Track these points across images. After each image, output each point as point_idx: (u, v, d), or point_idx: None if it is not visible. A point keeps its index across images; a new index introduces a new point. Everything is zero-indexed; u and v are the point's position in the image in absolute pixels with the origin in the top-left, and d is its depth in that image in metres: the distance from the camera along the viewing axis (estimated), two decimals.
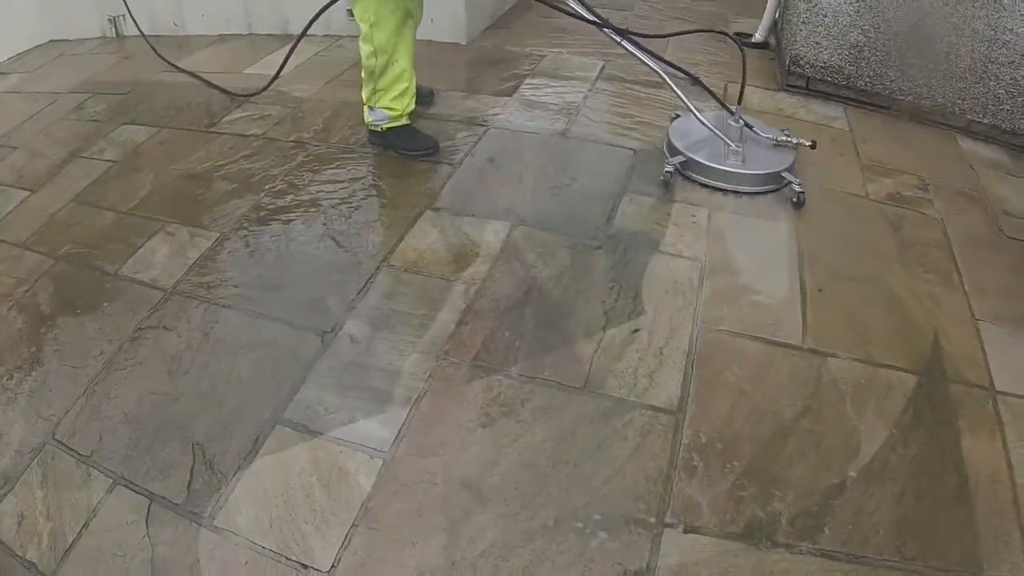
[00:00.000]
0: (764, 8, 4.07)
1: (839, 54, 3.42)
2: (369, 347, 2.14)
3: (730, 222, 2.61)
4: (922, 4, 3.16)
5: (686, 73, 2.96)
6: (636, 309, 2.23)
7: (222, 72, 3.93)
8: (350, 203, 2.77)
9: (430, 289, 2.33)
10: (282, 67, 3.34)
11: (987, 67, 3.16)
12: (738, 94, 3.06)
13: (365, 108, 2.98)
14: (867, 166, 3.00)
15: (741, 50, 3.03)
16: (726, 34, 3.09)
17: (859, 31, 3.33)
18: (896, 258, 2.48)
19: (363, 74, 2.89)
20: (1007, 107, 3.21)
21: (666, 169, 2.82)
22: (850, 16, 3.33)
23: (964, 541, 1.66)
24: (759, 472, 1.78)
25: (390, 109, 2.91)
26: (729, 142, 2.83)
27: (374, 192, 2.83)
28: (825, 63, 3.47)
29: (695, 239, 2.52)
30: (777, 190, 2.80)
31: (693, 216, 2.64)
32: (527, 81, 3.64)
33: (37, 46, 4.94)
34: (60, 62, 4.62)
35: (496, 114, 3.33)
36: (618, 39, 2.81)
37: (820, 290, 2.31)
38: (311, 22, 3.05)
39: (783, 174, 2.78)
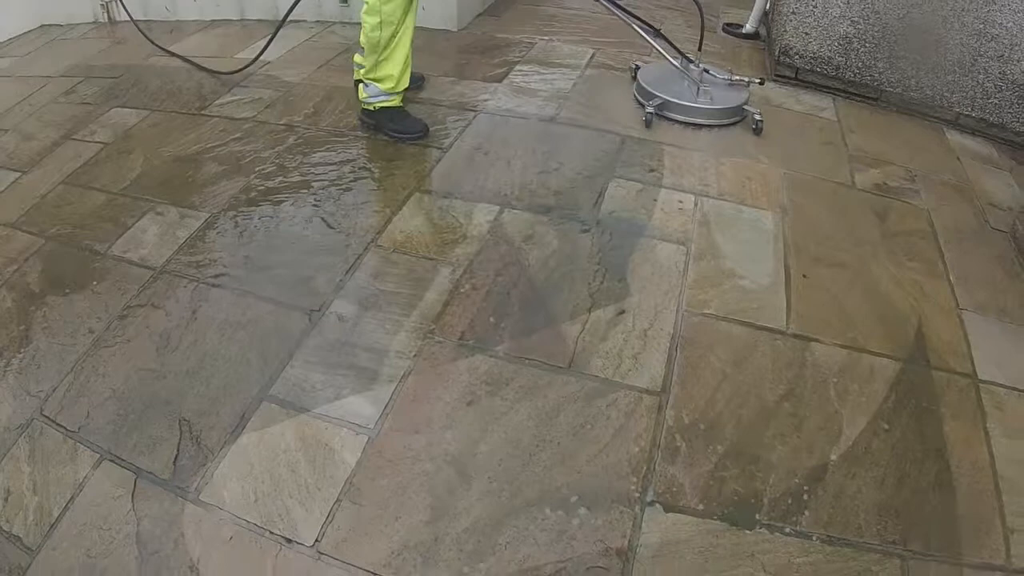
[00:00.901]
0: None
1: (828, 45, 3.44)
2: (356, 326, 2.15)
3: (716, 208, 2.63)
4: None
5: (650, 26, 3.32)
6: (622, 292, 2.25)
7: (213, 56, 3.92)
8: (339, 185, 2.78)
9: (418, 270, 2.34)
10: (266, 47, 3.34)
11: (976, 61, 3.19)
12: (699, 38, 3.35)
13: (360, 86, 2.98)
14: (854, 156, 3.02)
15: (698, 4, 3.28)
16: None
17: (848, 22, 3.35)
18: (881, 247, 2.50)
19: (363, 48, 2.89)
20: (995, 101, 3.23)
21: (647, 111, 3.15)
22: (840, 7, 3.34)
23: (945, 526, 1.68)
24: (741, 453, 1.80)
25: (389, 79, 2.90)
26: (699, 83, 3.19)
27: (364, 175, 2.84)
28: (814, 54, 3.49)
29: (681, 224, 2.54)
30: (741, 121, 3.20)
31: (680, 202, 2.65)
32: (517, 68, 3.65)
33: (29, 31, 4.92)
34: (52, 46, 4.60)
35: (486, 100, 3.34)
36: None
37: (805, 276, 2.33)
38: (294, 4, 3.04)
39: (744, 107, 3.18)
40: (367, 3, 2.76)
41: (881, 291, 2.31)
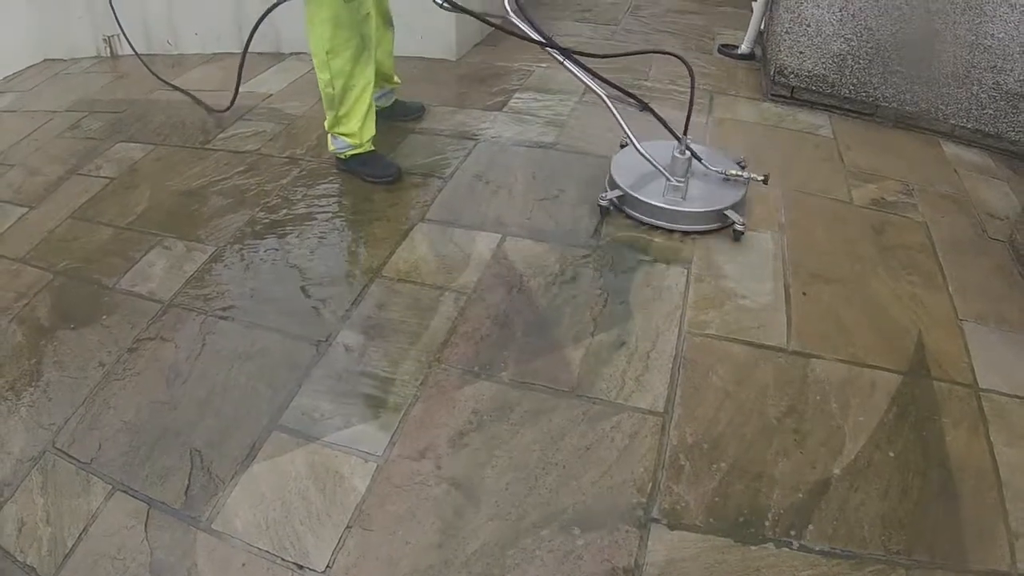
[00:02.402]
0: (749, 20, 4.13)
1: (823, 63, 3.47)
2: (363, 355, 2.18)
3: (721, 242, 2.65)
4: (904, 12, 3.21)
5: (635, 98, 2.76)
6: (624, 315, 2.27)
7: (215, 90, 3.97)
8: (343, 216, 2.82)
9: (422, 299, 2.37)
10: (239, 79, 3.35)
11: (969, 72, 3.21)
12: (686, 118, 2.72)
13: (328, 137, 2.99)
14: (851, 172, 3.05)
15: (690, 73, 2.72)
16: (678, 57, 2.78)
17: (842, 40, 3.38)
18: (880, 261, 2.52)
19: (324, 103, 2.91)
20: (990, 111, 3.26)
21: (600, 203, 2.70)
22: (833, 25, 3.38)
23: (949, 535, 1.68)
24: (745, 470, 1.81)
25: (352, 136, 2.90)
26: (669, 176, 2.65)
27: (367, 206, 2.87)
28: (809, 72, 3.52)
29: (680, 246, 2.57)
30: (720, 229, 2.65)
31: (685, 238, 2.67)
32: (516, 95, 3.69)
33: (32, 65, 4.99)
34: (55, 81, 4.66)
35: (486, 128, 3.38)
36: (561, 59, 2.65)
37: (804, 293, 2.35)
38: (252, 33, 3.06)
39: (726, 212, 2.62)
40: (316, 57, 2.76)
41: (881, 305, 2.33)
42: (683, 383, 2.05)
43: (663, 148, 2.69)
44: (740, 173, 2.69)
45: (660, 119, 2.73)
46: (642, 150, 2.68)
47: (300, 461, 1.88)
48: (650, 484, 1.79)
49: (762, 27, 4.11)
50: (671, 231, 2.65)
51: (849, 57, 3.41)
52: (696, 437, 1.90)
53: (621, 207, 2.73)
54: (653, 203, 2.64)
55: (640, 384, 2.04)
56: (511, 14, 2.62)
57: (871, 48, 3.35)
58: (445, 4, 2.62)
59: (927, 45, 3.23)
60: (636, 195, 2.67)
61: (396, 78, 3.36)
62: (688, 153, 2.66)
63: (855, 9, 3.30)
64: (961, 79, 3.25)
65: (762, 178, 2.67)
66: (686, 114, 2.71)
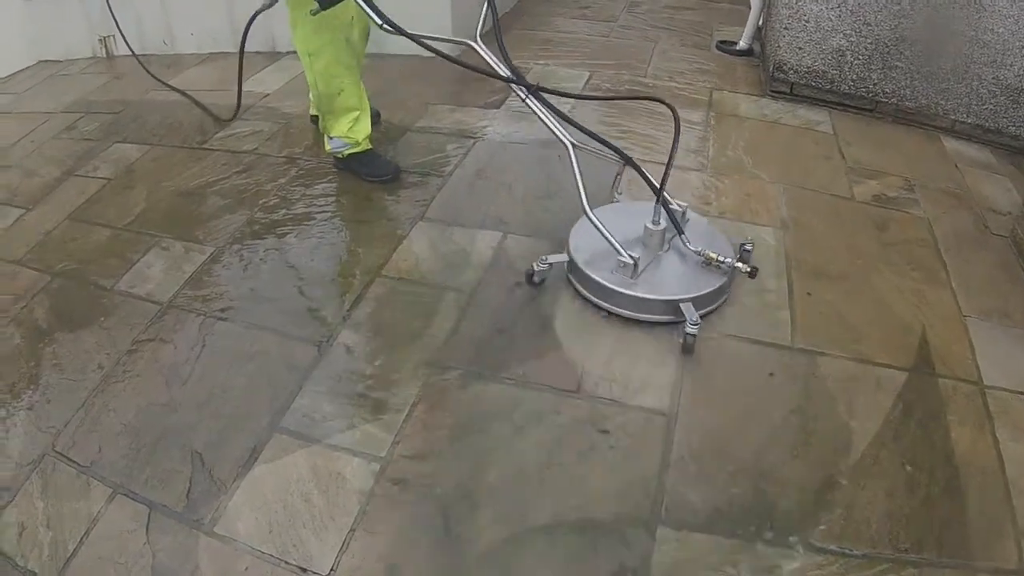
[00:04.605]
0: (747, 16, 4.12)
1: (822, 59, 3.47)
2: (364, 356, 2.16)
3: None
4: (903, 7, 3.20)
5: (615, 150, 2.41)
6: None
7: (212, 89, 3.95)
8: (342, 216, 2.80)
9: (423, 298, 2.36)
10: (240, 85, 3.32)
11: (969, 67, 3.21)
12: (663, 178, 2.22)
13: (324, 137, 2.98)
14: (852, 168, 3.04)
15: (675, 120, 2.22)
16: (663, 102, 2.29)
17: (841, 35, 3.38)
18: (883, 258, 2.51)
19: (314, 103, 2.89)
20: (990, 106, 3.26)
21: (536, 266, 2.32)
22: (831, 21, 3.37)
23: (956, 532, 1.68)
24: (752, 470, 1.80)
25: (347, 138, 2.89)
26: (620, 249, 2.20)
27: (366, 205, 2.86)
28: (808, 68, 3.51)
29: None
30: (672, 323, 2.21)
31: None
32: (515, 94, 3.65)
33: (28, 66, 4.96)
34: (51, 82, 4.64)
35: (485, 126, 3.37)
36: (523, 96, 2.36)
37: (809, 294, 2.33)
38: (244, 39, 3.03)
39: (681, 305, 2.15)
40: (302, 60, 2.75)
41: (884, 302, 2.32)
42: (688, 382, 2.04)
43: (631, 209, 2.40)
44: (721, 259, 2.21)
45: (643, 174, 2.38)
46: (591, 215, 2.25)
47: (302, 463, 1.86)
48: (656, 485, 1.77)
49: (760, 23, 4.09)
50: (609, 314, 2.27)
51: (848, 53, 3.41)
52: (702, 437, 1.89)
53: (568, 274, 2.37)
54: (594, 277, 2.24)
55: (645, 383, 2.03)
56: (478, 40, 2.41)
57: (870, 43, 3.34)
58: (385, 26, 2.36)
59: (926, 40, 3.22)
60: (579, 264, 2.29)
61: None
62: (663, 223, 2.28)
63: (854, 4, 3.29)
64: (961, 74, 3.25)
65: (749, 270, 2.20)
66: (664, 170, 2.21)
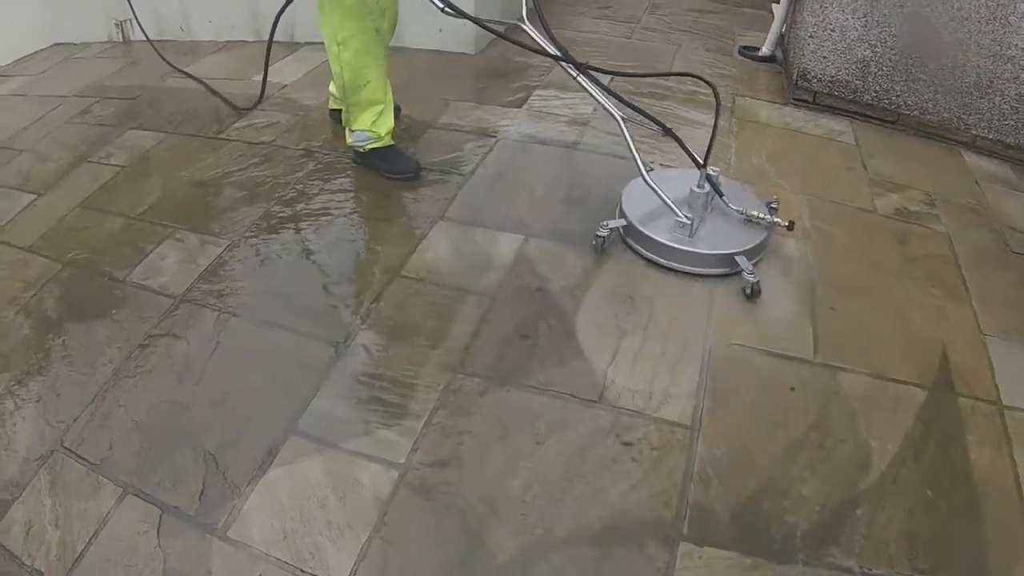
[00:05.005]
0: (771, 22, 4.09)
1: (846, 68, 3.44)
2: (382, 358, 2.13)
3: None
4: (929, 20, 3.17)
5: (656, 122, 2.54)
6: (650, 322, 2.23)
7: (229, 78, 3.92)
8: (361, 213, 2.77)
9: (443, 300, 2.32)
10: (265, 73, 3.30)
11: (992, 82, 3.18)
12: (707, 148, 2.48)
13: (346, 130, 2.94)
14: (874, 181, 3.01)
15: (716, 98, 2.49)
16: (704, 80, 2.56)
17: (866, 46, 3.34)
18: (904, 273, 2.49)
19: (338, 95, 2.86)
20: (1011, 122, 3.23)
21: (598, 233, 2.49)
22: (857, 31, 3.34)
23: (975, 554, 1.66)
24: (772, 486, 1.78)
25: (370, 131, 2.85)
26: (677, 210, 2.43)
27: (386, 202, 2.82)
28: (832, 77, 3.48)
29: None
30: (728, 275, 2.41)
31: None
32: (536, 92, 3.64)
33: (42, 49, 4.93)
34: (66, 65, 4.60)
35: (507, 125, 3.33)
36: (574, 74, 2.52)
37: (831, 308, 2.31)
38: (275, 25, 3.02)
39: (736, 258, 2.37)
40: (328, 50, 2.71)
41: (905, 318, 2.29)
42: (710, 394, 2.01)
43: (687, 178, 2.52)
44: (761, 216, 2.46)
45: (683, 146, 2.53)
46: (650, 180, 2.48)
47: (319, 468, 1.83)
48: (678, 499, 1.75)
49: (783, 29, 4.06)
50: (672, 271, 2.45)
51: (872, 63, 3.38)
52: (724, 451, 1.86)
53: (625, 238, 2.56)
54: (656, 238, 2.43)
55: (667, 394, 2.00)
56: (525, 21, 2.54)
57: (895, 55, 3.31)
58: (447, 9, 2.52)
59: (951, 54, 3.19)
60: (641, 228, 2.47)
61: None
62: (707, 187, 2.47)
63: (880, 15, 3.26)
64: (984, 89, 3.22)
65: (787, 224, 2.46)
66: (708, 143, 2.48)
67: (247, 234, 2.66)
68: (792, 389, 2.03)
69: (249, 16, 4.44)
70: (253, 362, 2.14)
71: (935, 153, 3.32)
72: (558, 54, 2.51)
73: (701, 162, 2.44)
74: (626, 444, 1.87)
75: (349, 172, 3.01)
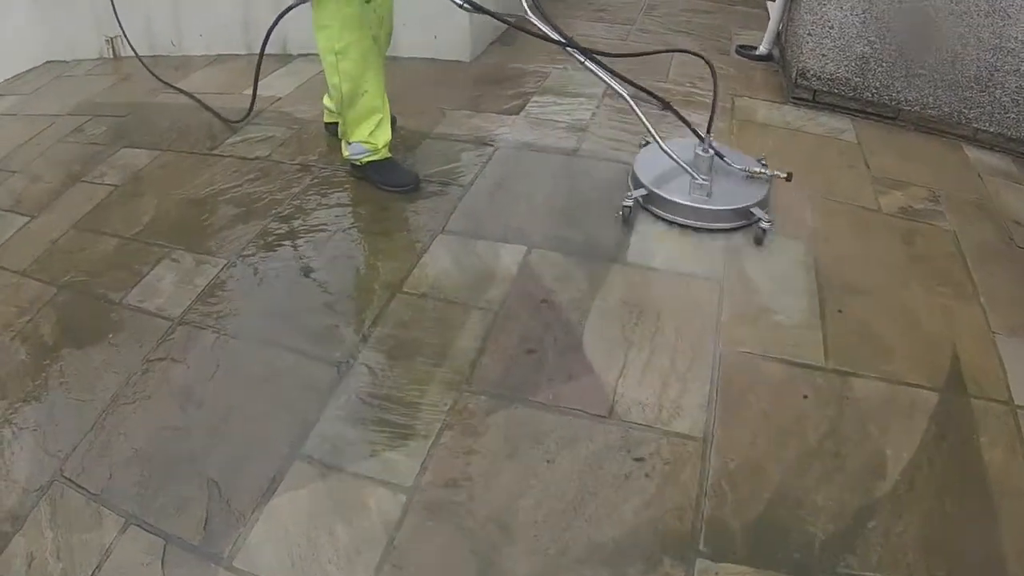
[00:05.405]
0: (766, 20, 4.06)
1: (845, 66, 3.41)
2: (387, 377, 2.09)
3: (746, 238, 2.59)
4: (928, 14, 3.14)
5: (656, 97, 2.76)
6: (656, 332, 2.19)
7: (221, 93, 3.88)
8: (359, 227, 2.73)
9: (447, 316, 2.28)
10: (255, 86, 3.26)
11: (992, 75, 3.17)
12: (710, 117, 2.75)
13: (342, 142, 2.90)
14: (877, 178, 2.98)
15: (713, 74, 2.80)
16: (698, 55, 2.91)
17: (865, 42, 3.32)
18: (911, 272, 2.46)
19: (334, 107, 2.83)
20: (1013, 115, 3.21)
21: (624, 203, 2.66)
22: (856, 27, 3.32)
23: (991, 559, 1.64)
24: (787, 497, 1.75)
25: (368, 143, 2.81)
26: (694, 174, 2.65)
27: (385, 216, 2.79)
28: (832, 75, 3.46)
29: (711, 259, 2.50)
30: (746, 226, 2.63)
31: (710, 235, 2.61)
32: (534, 99, 3.60)
33: (34, 67, 4.89)
34: (57, 83, 4.56)
35: (504, 133, 3.29)
36: (582, 59, 2.66)
37: (840, 311, 2.28)
38: (267, 37, 2.98)
39: (752, 209, 2.61)
40: (325, 61, 2.67)
41: (914, 318, 2.27)
42: (721, 405, 1.97)
43: (682, 148, 2.70)
44: (763, 170, 2.70)
45: (682, 118, 2.73)
46: (667, 149, 2.66)
47: (324, 493, 1.79)
48: (693, 514, 1.71)
49: (780, 28, 4.03)
50: (697, 230, 2.64)
51: (872, 60, 3.35)
52: (737, 463, 1.83)
53: (646, 206, 2.72)
54: (679, 201, 2.63)
55: (678, 406, 1.96)
56: (529, 13, 2.62)
57: (894, 51, 3.28)
58: (465, 4, 2.59)
59: (950, 48, 3.17)
60: (662, 193, 2.66)
61: None
62: (711, 151, 2.66)
63: (879, 11, 3.23)
64: (984, 83, 3.20)
65: (785, 175, 2.67)
66: (709, 113, 2.72)
67: (244, 252, 2.62)
68: (805, 397, 2.00)
69: (240, 30, 4.40)
70: (254, 385, 2.09)
71: (936, 148, 3.29)
72: (565, 41, 2.63)
73: (699, 132, 2.69)
74: (638, 459, 1.83)
75: (346, 186, 2.97)
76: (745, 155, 2.87)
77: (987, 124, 3.29)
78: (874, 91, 3.42)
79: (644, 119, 2.67)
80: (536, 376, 2.07)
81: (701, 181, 2.63)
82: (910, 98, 3.36)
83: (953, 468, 1.82)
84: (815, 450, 1.85)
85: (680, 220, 2.65)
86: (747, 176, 2.71)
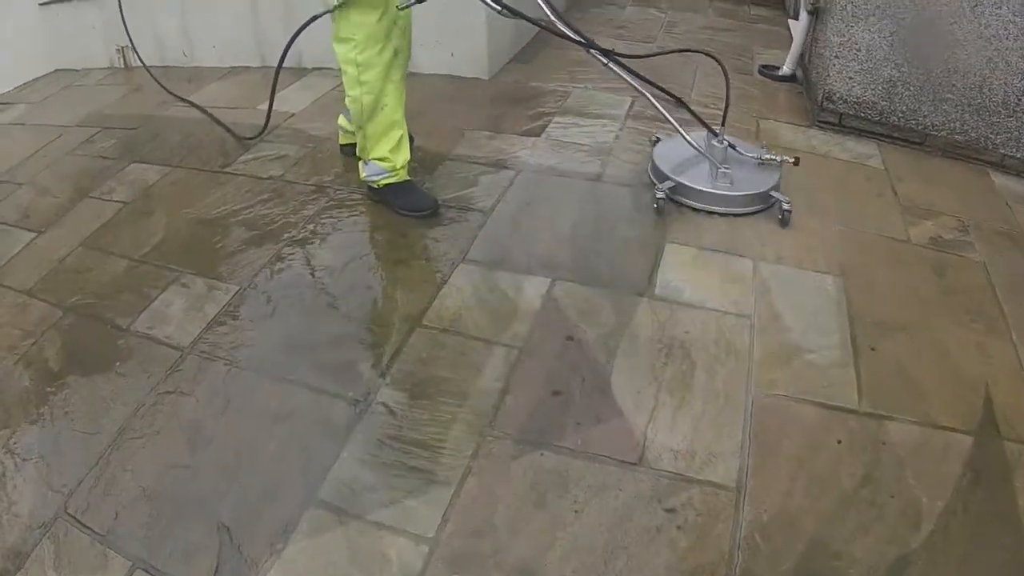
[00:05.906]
0: (788, 38, 3.99)
1: (872, 89, 3.34)
2: (406, 418, 2.01)
3: (775, 273, 2.50)
4: (956, 38, 3.07)
5: (670, 94, 2.96)
6: (687, 372, 2.11)
7: (234, 107, 3.82)
8: (377, 254, 2.66)
9: (469, 352, 2.20)
10: (271, 103, 3.21)
11: (1020, 100, 3.09)
12: (724, 110, 2.93)
13: (360, 163, 2.83)
14: (906, 208, 2.91)
15: (725, 73, 2.96)
16: (709, 54, 3.06)
17: (893, 66, 3.25)
18: (943, 306, 2.39)
19: (352, 125, 2.77)
20: None
21: (657, 196, 2.81)
22: (884, 50, 3.24)
23: None
24: (823, 548, 1.68)
25: (385, 161, 2.74)
26: (718, 164, 2.83)
27: (403, 242, 2.71)
28: (858, 98, 3.38)
29: (741, 293, 2.41)
30: (766, 209, 2.82)
31: (738, 268, 2.53)
32: (555, 120, 3.53)
33: (43, 75, 4.84)
34: (67, 93, 4.52)
35: (526, 156, 3.22)
36: (604, 60, 2.77)
37: (872, 348, 2.20)
38: (285, 51, 2.93)
39: (771, 193, 2.81)
40: (346, 73, 2.59)
41: (948, 357, 2.20)
42: (754, 451, 1.89)
43: (695, 141, 2.89)
44: (774, 157, 2.87)
45: (694, 113, 2.96)
46: (691, 140, 2.86)
47: (341, 542, 1.70)
48: (726, 568, 1.64)
49: (803, 49, 3.96)
50: (722, 215, 2.80)
51: (899, 83, 3.28)
52: (771, 514, 1.75)
53: (674, 197, 2.86)
54: (706, 190, 2.81)
55: (710, 453, 1.88)
56: (554, 19, 2.72)
57: (922, 74, 3.21)
58: (504, 11, 2.63)
59: (979, 72, 3.10)
60: (689, 184, 2.83)
61: None
62: (726, 142, 2.85)
63: (906, 34, 3.16)
64: (1012, 107, 3.13)
65: (793, 160, 2.86)
66: (723, 107, 2.91)
67: (257, 279, 2.54)
68: (839, 442, 1.92)
69: (253, 42, 4.34)
70: (267, 422, 2.02)
71: (963, 174, 3.22)
72: (587, 42, 2.76)
73: (712, 126, 2.90)
74: (669, 511, 1.75)
75: (363, 209, 2.89)
76: (750, 145, 3.04)
77: (1014, 150, 3.21)
78: (901, 115, 3.34)
79: (668, 115, 2.85)
80: (562, 419, 1.99)
81: (724, 169, 2.81)
82: (937, 123, 3.29)
83: (988, 515, 1.76)
84: (851, 498, 1.78)
85: (708, 208, 2.82)
86: (759, 163, 2.88)
